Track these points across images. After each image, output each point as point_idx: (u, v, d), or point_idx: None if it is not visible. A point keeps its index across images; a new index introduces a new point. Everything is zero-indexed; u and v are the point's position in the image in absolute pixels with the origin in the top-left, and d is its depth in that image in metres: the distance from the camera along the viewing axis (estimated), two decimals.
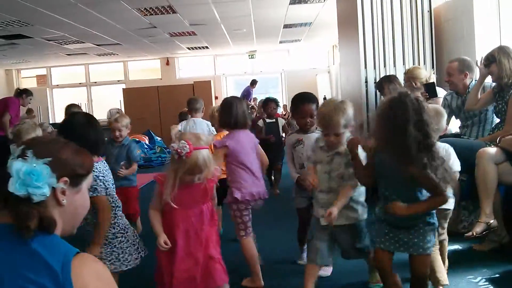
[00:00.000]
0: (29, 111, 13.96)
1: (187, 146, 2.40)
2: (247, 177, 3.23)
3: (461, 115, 4.31)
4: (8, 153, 1.33)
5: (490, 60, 3.83)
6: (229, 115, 3.32)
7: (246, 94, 14.41)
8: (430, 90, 4.43)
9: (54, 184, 1.30)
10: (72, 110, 6.19)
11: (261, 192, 3.27)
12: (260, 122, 6.39)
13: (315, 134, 3.30)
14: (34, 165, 1.28)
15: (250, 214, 3.25)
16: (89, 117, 3.01)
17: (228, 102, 3.42)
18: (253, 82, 14.71)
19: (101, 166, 2.75)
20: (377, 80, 5.82)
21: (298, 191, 3.49)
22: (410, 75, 4.85)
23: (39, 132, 4.15)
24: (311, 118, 3.38)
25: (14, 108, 7.46)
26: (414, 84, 4.65)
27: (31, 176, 1.25)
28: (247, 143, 3.31)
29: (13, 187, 1.24)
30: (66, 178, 1.34)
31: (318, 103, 3.50)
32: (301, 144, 3.43)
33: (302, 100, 3.49)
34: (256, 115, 8.35)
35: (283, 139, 6.33)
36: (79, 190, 1.42)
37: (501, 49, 3.80)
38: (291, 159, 3.55)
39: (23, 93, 7.86)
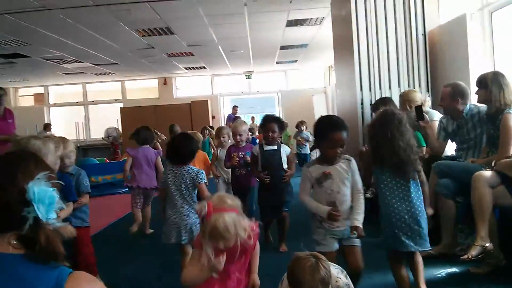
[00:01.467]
0: (47, 126, 13.92)
1: (206, 207, 2.08)
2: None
3: (457, 139, 4.34)
4: None
5: (482, 85, 3.89)
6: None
7: (227, 118, 14.83)
8: (417, 113, 4.49)
9: (62, 206, 1.33)
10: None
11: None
12: (256, 149, 4.78)
13: (342, 164, 3.01)
14: (52, 189, 1.27)
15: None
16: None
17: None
18: (234, 108, 15.23)
19: None
20: (373, 102, 5.89)
21: (326, 231, 2.95)
22: (405, 98, 4.92)
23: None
24: (342, 148, 2.95)
25: None
26: (409, 108, 4.71)
27: (52, 201, 1.25)
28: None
29: (41, 213, 1.23)
30: None
31: (348, 129, 3.03)
32: (330, 179, 2.95)
33: (333, 127, 2.97)
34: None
35: (285, 174, 4.60)
36: None
37: (495, 76, 3.84)
38: (309, 193, 3.05)
39: None
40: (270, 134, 4.59)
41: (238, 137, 5.17)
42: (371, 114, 5.93)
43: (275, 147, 4.66)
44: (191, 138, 3.95)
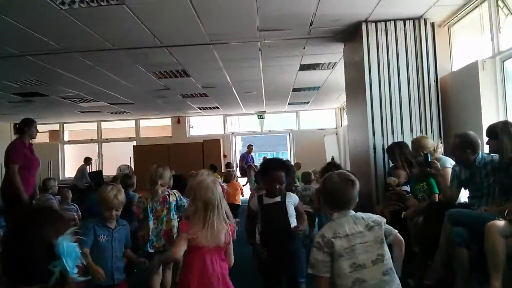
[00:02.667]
0: (87, 160, 14.02)
1: None
2: None
3: (470, 187, 4.33)
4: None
5: (493, 135, 3.94)
6: None
7: (241, 158, 15.01)
8: (425, 161, 4.53)
9: (82, 260, 1.37)
10: None
11: None
12: (254, 203, 3.74)
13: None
14: (76, 245, 1.34)
15: None
16: None
17: None
18: (248, 147, 15.38)
19: None
20: (385, 147, 5.93)
21: None
22: (417, 144, 4.96)
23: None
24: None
25: (16, 154, 5.94)
26: (422, 153, 4.75)
27: (76, 256, 1.32)
28: None
29: (69, 268, 1.30)
30: None
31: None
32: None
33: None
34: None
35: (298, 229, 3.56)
36: None
37: (505, 127, 3.89)
38: None
39: (24, 126, 6.07)
40: (277, 187, 3.57)
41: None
42: (383, 159, 5.99)
43: (278, 199, 3.61)
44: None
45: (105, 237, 3.42)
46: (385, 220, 2.57)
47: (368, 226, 2.50)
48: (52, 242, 1.30)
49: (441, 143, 5.13)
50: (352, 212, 2.57)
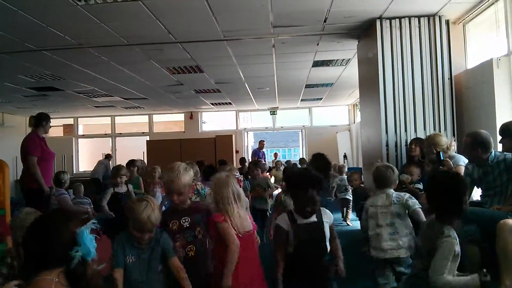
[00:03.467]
0: (108, 156, 14.20)
1: None
2: None
3: (483, 185, 4.33)
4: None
5: (506, 134, 3.93)
6: None
7: (253, 153, 15.00)
8: (437, 158, 4.55)
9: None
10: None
11: None
12: (285, 221, 3.08)
13: None
14: (93, 237, 1.64)
15: None
16: None
17: None
18: (260, 142, 15.19)
19: None
20: (398, 144, 5.94)
21: None
22: (431, 142, 4.94)
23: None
24: None
25: (34, 147, 6.12)
26: (435, 151, 4.74)
27: (94, 245, 1.62)
28: None
29: (89, 252, 1.61)
30: None
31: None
32: None
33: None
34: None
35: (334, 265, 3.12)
36: None
37: None
38: None
39: (42, 120, 6.33)
40: (309, 210, 3.01)
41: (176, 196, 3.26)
42: (396, 156, 5.99)
43: (314, 218, 3.07)
44: None
45: (132, 258, 2.91)
46: (408, 199, 3.83)
47: (391, 202, 3.83)
48: (74, 231, 1.60)
49: (454, 141, 5.11)
50: (388, 191, 3.90)
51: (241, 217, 3.14)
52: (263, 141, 15.28)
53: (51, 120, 6.52)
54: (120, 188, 5.98)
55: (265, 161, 13.79)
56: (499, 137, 4.12)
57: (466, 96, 5.90)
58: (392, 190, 3.93)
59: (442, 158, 4.52)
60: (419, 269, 2.88)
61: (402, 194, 3.89)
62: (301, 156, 16.32)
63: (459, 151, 5.03)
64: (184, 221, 3.22)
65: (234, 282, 2.95)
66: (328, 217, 3.17)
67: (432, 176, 3.56)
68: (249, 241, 3.15)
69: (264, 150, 15.09)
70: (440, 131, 5.83)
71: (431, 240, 2.78)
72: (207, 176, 5.94)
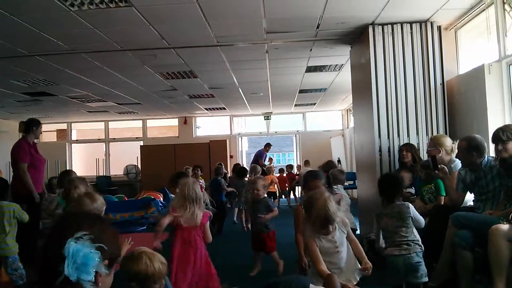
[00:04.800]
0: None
1: None
2: None
3: (475, 190, 4.35)
4: None
5: (510, 137, 3.94)
6: None
7: (259, 155, 14.68)
8: (432, 163, 4.59)
9: (100, 269, 1.31)
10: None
11: None
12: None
13: None
14: (90, 250, 1.28)
15: None
16: None
17: None
18: (267, 145, 14.77)
19: None
20: (391, 149, 5.96)
21: None
22: (436, 141, 4.95)
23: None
24: None
25: (23, 153, 6.08)
26: (440, 150, 4.81)
27: (86, 262, 1.26)
28: None
29: (68, 271, 1.24)
30: (107, 261, 1.35)
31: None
32: None
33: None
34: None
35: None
36: (110, 273, 1.42)
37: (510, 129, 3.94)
38: None
39: (32, 126, 6.30)
40: None
41: None
42: (389, 161, 6.00)
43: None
44: None
45: None
46: (408, 209, 3.72)
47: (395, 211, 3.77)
48: (64, 243, 1.29)
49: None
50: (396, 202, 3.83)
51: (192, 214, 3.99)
52: (270, 144, 14.93)
53: (42, 125, 6.48)
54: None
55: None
56: (491, 144, 4.15)
57: (458, 102, 5.93)
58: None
59: (437, 163, 4.56)
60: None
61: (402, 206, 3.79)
62: (297, 161, 16.34)
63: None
64: None
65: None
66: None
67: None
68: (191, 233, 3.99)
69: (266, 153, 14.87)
70: (432, 135, 5.86)
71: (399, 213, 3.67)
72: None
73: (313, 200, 3.16)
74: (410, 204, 3.79)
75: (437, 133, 5.89)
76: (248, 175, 9.79)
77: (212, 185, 9.11)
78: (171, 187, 5.84)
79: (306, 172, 4.62)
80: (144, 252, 2.50)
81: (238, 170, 10.16)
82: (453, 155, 4.91)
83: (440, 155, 4.80)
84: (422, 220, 3.73)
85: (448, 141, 4.92)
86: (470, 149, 4.23)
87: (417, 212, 3.75)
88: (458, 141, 4.58)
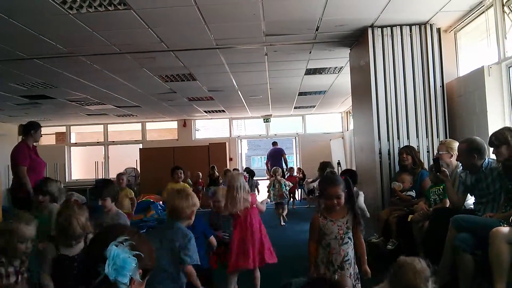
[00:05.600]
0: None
1: None
2: None
3: (475, 192, 4.34)
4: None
5: (501, 141, 3.95)
6: None
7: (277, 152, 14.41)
8: (435, 165, 4.60)
9: (135, 276, 1.43)
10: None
11: None
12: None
13: None
14: (129, 256, 1.41)
15: None
16: None
17: None
18: (274, 144, 14.83)
19: None
20: (391, 151, 5.96)
21: None
22: (448, 145, 4.98)
23: None
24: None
25: (23, 157, 6.05)
26: (452, 155, 4.88)
27: (125, 265, 1.39)
28: None
29: (108, 270, 1.37)
30: (141, 270, 1.46)
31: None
32: None
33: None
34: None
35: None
36: (143, 283, 1.53)
37: (510, 130, 3.93)
38: None
39: (31, 129, 6.23)
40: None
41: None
42: (389, 164, 6.00)
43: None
44: None
45: None
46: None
47: None
48: (105, 245, 1.43)
49: None
50: None
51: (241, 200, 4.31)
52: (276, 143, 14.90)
53: (41, 128, 6.44)
54: None
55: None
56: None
57: (458, 104, 5.92)
58: None
59: (441, 166, 4.57)
60: None
61: None
62: (296, 164, 16.32)
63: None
64: None
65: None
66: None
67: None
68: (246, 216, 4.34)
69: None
70: (432, 139, 5.88)
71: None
72: None
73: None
74: None
75: (437, 135, 5.91)
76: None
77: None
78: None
79: (322, 177, 4.54)
80: None
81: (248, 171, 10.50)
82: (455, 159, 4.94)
83: (451, 159, 4.84)
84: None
85: (457, 145, 4.95)
86: (471, 151, 4.23)
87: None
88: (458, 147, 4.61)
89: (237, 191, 4.30)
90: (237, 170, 10.82)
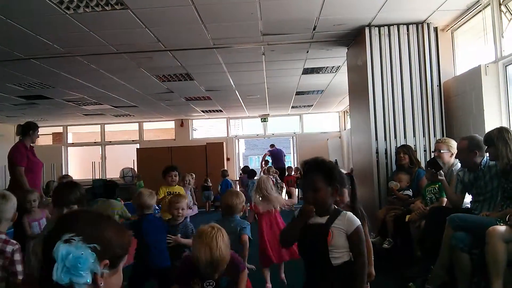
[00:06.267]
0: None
1: None
2: None
3: (473, 191, 4.35)
4: None
5: (489, 143, 3.98)
6: None
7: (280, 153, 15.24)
8: (434, 164, 4.61)
9: (97, 270, 1.24)
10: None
11: None
12: None
13: None
14: (82, 252, 1.22)
15: None
16: None
17: None
18: (272, 146, 15.49)
19: None
20: (388, 151, 5.96)
21: None
22: (448, 143, 5.00)
23: None
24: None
25: (20, 157, 6.03)
26: (452, 153, 4.90)
27: (77, 264, 1.19)
28: None
29: (57, 275, 1.18)
30: (107, 261, 1.28)
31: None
32: None
33: None
34: None
35: None
36: (116, 271, 1.35)
37: (500, 133, 3.94)
38: None
39: (29, 130, 6.23)
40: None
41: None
42: (386, 163, 6.00)
43: (322, 220, 2.49)
44: None
45: None
46: None
47: None
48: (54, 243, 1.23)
49: None
50: None
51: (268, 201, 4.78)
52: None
53: (39, 129, 6.44)
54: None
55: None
56: None
57: (455, 103, 5.93)
58: None
59: (439, 164, 4.61)
60: None
61: None
62: (293, 163, 16.34)
63: None
64: None
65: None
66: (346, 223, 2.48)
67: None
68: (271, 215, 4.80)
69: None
70: (429, 138, 5.89)
71: None
72: None
73: None
74: None
75: (434, 134, 5.92)
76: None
77: None
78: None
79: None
80: None
81: (249, 171, 11.98)
82: (453, 158, 4.96)
83: (451, 157, 4.87)
84: None
85: (455, 144, 4.97)
86: (472, 148, 4.24)
87: None
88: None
89: (268, 192, 4.76)
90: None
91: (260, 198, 4.78)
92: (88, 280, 1.22)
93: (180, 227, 4.23)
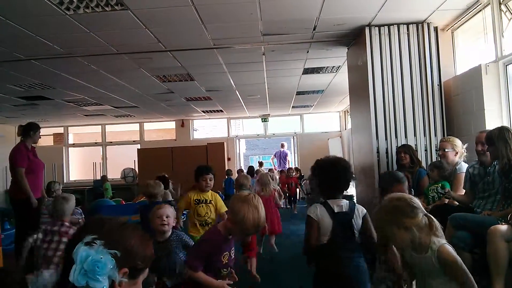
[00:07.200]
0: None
1: None
2: None
3: (480, 186, 4.33)
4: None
5: (489, 142, 3.96)
6: None
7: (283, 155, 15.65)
8: (440, 165, 4.61)
9: (115, 277, 1.23)
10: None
11: None
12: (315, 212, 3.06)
13: None
14: (101, 256, 1.21)
15: None
16: None
17: None
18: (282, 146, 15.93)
19: None
20: (389, 150, 5.96)
21: None
22: (453, 142, 4.98)
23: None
24: None
25: (21, 158, 6.04)
26: (457, 152, 4.87)
27: (95, 268, 1.19)
28: None
29: (74, 277, 1.18)
30: (126, 269, 1.27)
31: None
32: None
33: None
34: None
35: None
36: (135, 283, 1.34)
37: (501, 132, 3.92)
38: None
39: (30, 130, 6.24)
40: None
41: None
42: (387, 163, 6.00)
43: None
44: None
45: None
46: None
47: None
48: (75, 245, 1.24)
49: (464, 149, 5.08)
50: None
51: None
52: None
53: (40, 129, 6.44)
54: None
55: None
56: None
57: (456, 102, 5.93)
58: None
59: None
60: None
61: None
62: (294, 164, 16.37)
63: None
64: None
65: None
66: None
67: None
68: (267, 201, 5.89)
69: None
70: (430, 137, 5.88)
71: None
72: None
73: None
74: None
75: (435, 134, 5.91)
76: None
77: None
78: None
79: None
80: None
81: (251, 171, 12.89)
82: (462, 157, 4.96)
83: (455, 156, 4.85)
84: None
85: (460, 143, 4.95)
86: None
87: None
88: (466, 144, 4.60)
89: (269, 181, 6.70)
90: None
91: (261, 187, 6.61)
92: (104, 286, 1.21)
93: (172, 241, 3.55)
